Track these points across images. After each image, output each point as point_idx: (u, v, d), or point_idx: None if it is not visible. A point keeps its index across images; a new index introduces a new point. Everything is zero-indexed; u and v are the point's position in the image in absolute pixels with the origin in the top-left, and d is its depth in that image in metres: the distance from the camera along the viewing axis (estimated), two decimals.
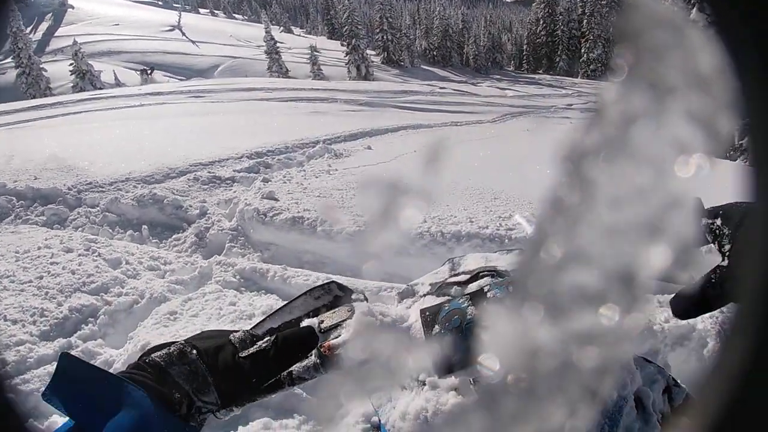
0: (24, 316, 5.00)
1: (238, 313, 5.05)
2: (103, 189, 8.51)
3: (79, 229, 7.55)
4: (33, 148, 11.15)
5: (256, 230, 6.66)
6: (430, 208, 6.26)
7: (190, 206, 7.59)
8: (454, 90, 36.45)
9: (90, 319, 5.13)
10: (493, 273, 1.55)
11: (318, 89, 27.82)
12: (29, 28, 60.06)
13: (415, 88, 33.74)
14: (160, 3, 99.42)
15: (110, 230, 7.43)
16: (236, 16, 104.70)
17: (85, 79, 43.66)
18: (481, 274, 1.56)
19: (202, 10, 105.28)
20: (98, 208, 7.86)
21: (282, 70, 49.53)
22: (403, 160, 9.67)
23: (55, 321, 4.98)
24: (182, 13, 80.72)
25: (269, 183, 8.11)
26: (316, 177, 8.51)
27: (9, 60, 47.51)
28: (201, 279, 5.93)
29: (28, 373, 4.29)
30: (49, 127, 16.52)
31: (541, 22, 73.27)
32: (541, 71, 73.14)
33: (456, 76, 58.97)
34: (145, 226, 7.33)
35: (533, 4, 76.41)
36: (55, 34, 64.45)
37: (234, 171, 9.27)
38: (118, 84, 44.46)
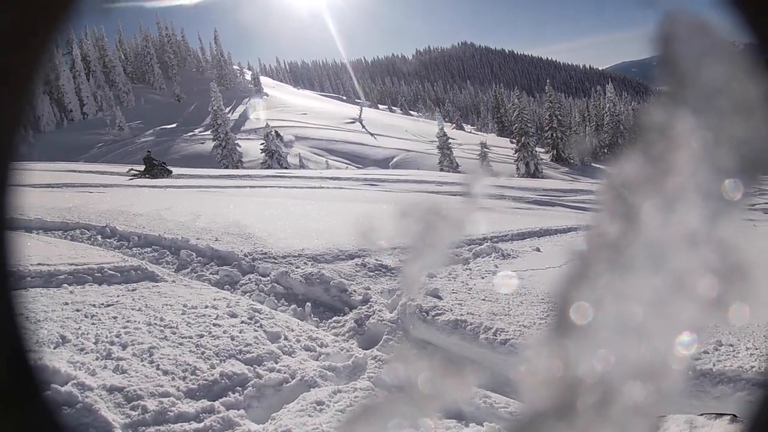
0: (176, 369, 5.03)
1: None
2: (276, 261, 8.69)
3: (247, 294, 7.72)
4: (219, 212, 11.73)
5: (416, 327, 6.33)
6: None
7: (354, 291, 7.46)
8: None
9: (238, 388, 5.04)
10: None
11: (488, 185, 27.61)
12: (228, 108, 66.04)
13: (584, 187, 32.67)
14: (344, 98, 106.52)
15: (275, 301, 7.52)
16: (411, 112, 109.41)
17: (273, 157, 46.89)
18: None
19: (381, 106, 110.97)
20: (268, 278, 8.03)
21: (452, 164, 50.21)
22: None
23: (204, 382, 4.96)
24: (363, 108, 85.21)
25: (434, 279, 7.77)
26: (482, 278, 8.07)
27: (208, 132, 52.62)
28: (354, 370, 5.69)
29: (164, 426, 4.30)
30: (236, 196, 17.56)
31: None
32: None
33: None
34: (309, 304, 7.26)
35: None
36: (250, 117, 70.26)
37: (400, 261, 9.06)
38: (302, 166, 47.37)
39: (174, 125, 66.87)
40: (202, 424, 4.40)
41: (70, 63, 70.99)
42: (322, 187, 23.03)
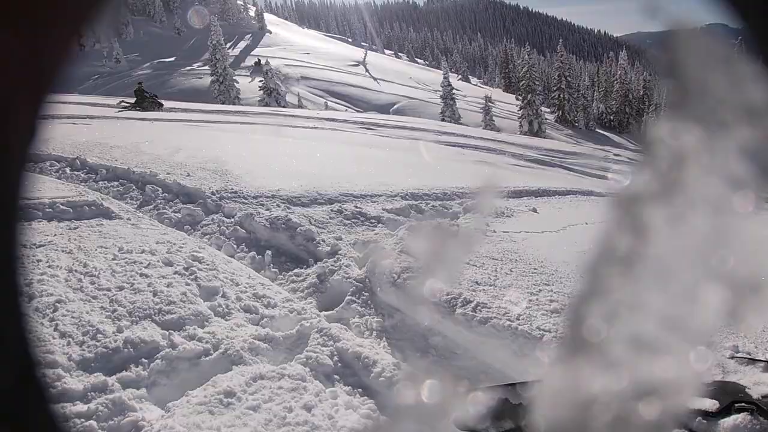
0: (75, 331, 4.18)
1: (309, 429, 3.65)
2: (246, 201, 7.95)
3: (206, 236, 6.82)
4: (201, 147, 11.10)
5: (384, 290, 5.36)
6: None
7: (323, 241, 6.58)
8: (629, 158, 33.83)
9: (143, 360, 4.11)
10: (753, 409, 1.29)
11: (487, 139, 26.62)
12: (229, 44, 64.13)
13: (587, 151, 31.68)
14: (349, 40, 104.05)
15: (234, 246, 6.69)
16: (418, 60, 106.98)
17: (271, 96, 45.69)
18: (736, 406, 1.32)
19: (387, 51, 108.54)
20: (232, 220, 7.12)
21: (455, 116, 48.92)
22: (572, 233, 8.08)
23: (104, 350, 4.08)
24: (368, 51, 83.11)
25: (414, 233, 6.85)
26: (470, 235, 7.13)
27: (206, 67, 51.13)
28: (293, 345, 4.71)
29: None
30: (224, 132, 16.79)
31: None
32: None
33: (631, 144, 55.48)
34: (270, 252, 6.34)
35: None
36: (252, 53, 68.39)
37: (383, 210, 8.23)
38: (300, 106, 46.32)
39: (173, 59, 64.78)
40: (86, 407, 3.47)
41: None
42: (316, 128, 22.00)
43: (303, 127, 21.27)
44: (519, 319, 4.26)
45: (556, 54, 60.54)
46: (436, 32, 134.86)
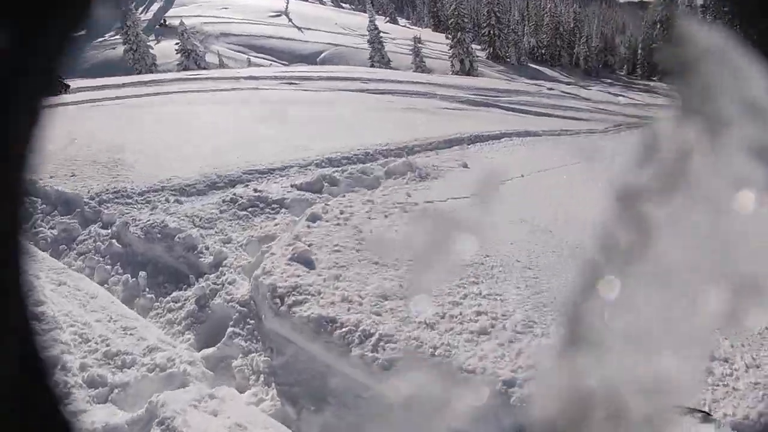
0: None
1: None
2: (130, 200, 6.59)
3: (82, 257, 5.52)
4: (98, 133, 9.92)
5: (269, 318, 4.18)
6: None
7: (206, 249, 5.29)
8: (563, 92, 33.21)
9: None
10: None
11: (418, 82, 25.40)
12: (141, 9, 61.48)
13: (521, 87, 30.85)
14: None
15: (109, 267, 5.29)
16: (343, 5, 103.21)
17: (189, 58, 43.24)
18: None
19: None
20: (109, 232, 5.77)
21: (384, 60, 47.28)
22: (508, 193, 7.08)
23: None
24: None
25: (316, 224, 5.63)
26: (385, 216, 5.98)
27: (118, 36, 47.85)
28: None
29: None
30: (131, 108, 15.18)
31: (659, 26, 67.61)
32: (655, 78, 67.56)
33: (564, 77, 55.10)
34: (145, 272, 5.06)
35: (650, 6, 70.88)
36: (166, 14, 64.68)
37: (290, 187, 7.02)
38: (222, 65, 44.01)
39: (82, 32, 60.47)
40: None
41: None
42: (235, 89, 20.40)
43: (221, 90, 19.69)
44: (435, 355, 3.16)
45: None
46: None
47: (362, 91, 20.70)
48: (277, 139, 9.41)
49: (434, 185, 7.65)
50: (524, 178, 8.28)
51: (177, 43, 44.04)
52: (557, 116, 20.66)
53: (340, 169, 8.03)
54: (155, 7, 69.32)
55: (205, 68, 39.20)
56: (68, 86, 24.98)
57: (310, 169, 7.88)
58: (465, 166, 9.09)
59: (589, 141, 15.47)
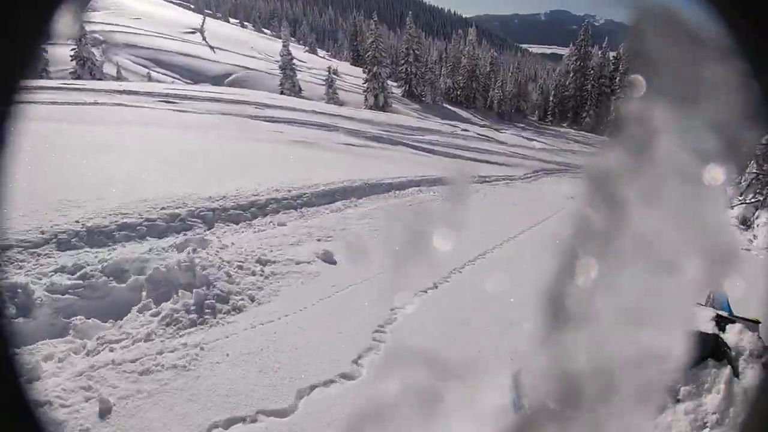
0: None
1: None
2: None
3: None
4: None
5: None
6: None
7: None
8: (478, 134, 31.26)
9: None
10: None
11: (321, 113, 22.57)
12: None
13: (434, 126, 28.65)
14: (192, 6, 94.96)
15: None
16: (265, 30, 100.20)
17: (84, 67, 38.93)
18: (710, 362, 1.73)
19: (232, 20, 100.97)
20: None
21: (295, 88, 44.38)
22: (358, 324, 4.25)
23: None
24: (208, 19, 76.19)
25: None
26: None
27: None
28: None
29: None
30: None
31: (571, 75, 68.16)
32: (565, 125, 67.81)
33: (479, 119, 53.75)
34: None
35: (564, 56, 71.67)
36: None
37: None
38: (119, 78, 39.98)
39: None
40: None
41: None
42: (97, 103, 16.90)
43: (81, 104, 16.16)
44: None
45: (404, 29, 57.42)
46: (285, 2, 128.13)
47: (254, 117, 17.69)
48: (112, 177, 6.45)
49: (277, 290, 4.69)
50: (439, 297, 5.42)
51: (73, 50, 39.64)
52: (474, 159, 18.37)
53: (113, 244, 5.01)
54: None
55: (100, 79, 35.49)
56: None
57: (79, 250, 4.87)
58: (328, 259, 6.18)
59: (515, 190, 13.14)
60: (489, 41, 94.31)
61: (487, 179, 14.25)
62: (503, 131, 43.38)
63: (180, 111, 16.75)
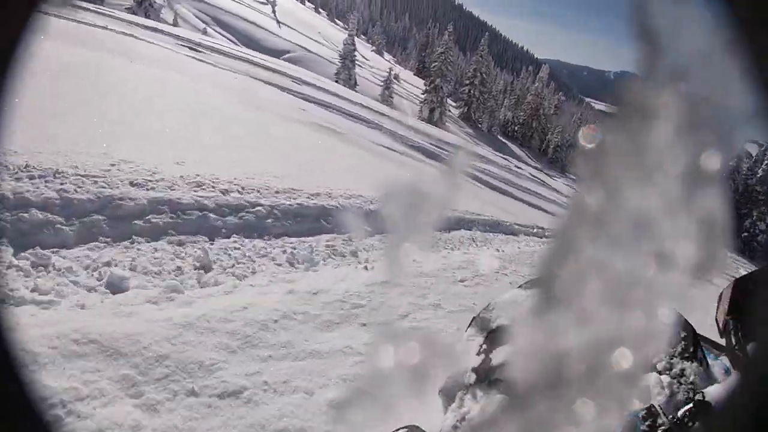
0: None
1: None
2: None
3: None
4: None
5: None
6: None
7: None
8: (531, 175, 27.96)
9: None
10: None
11: (367, 108, 19.45)
12: None
13: (488, 155, 25.24)
14: None
15: None
16: (338, 21, 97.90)
17: (141, 6, 36.40)
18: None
19: (308, 3, 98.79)
20: None
21: (350, 81, 41.42)
22: None
23: None
24: None
25: None
26: None
27: None
28: None
29: None
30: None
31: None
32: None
33: (530, 159, 50.27)
34: None
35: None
36: None
37: None
38: (175, 24, 37.65)
39: None
40: None
41: None
42: (109, 30, 14.02)
43: (90, 25, 13.32)
44: None
45: (476, 53, 54.16)
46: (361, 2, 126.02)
47: (284, 89, 14.57)
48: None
49: None
50: None
51: None
52: (529, 204, 15.11)
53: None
54: None
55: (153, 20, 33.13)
56: None
57: None
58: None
59: None
60: (556, 85, 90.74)
61: (545, 231, 11.02)
62: (555, 178, 39.96)
63: (199, 60, 13.71)
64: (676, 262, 0.36)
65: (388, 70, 46.17)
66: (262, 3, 62.83)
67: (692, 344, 1.45)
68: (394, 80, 46.01)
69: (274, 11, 60.95)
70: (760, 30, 0.38)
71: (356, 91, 37.77)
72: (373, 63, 56.97)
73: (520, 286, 1.93)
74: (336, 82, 38.19)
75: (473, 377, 1.63)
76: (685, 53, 0.35)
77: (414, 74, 72.90)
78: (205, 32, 39.56)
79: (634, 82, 0.36)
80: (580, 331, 0.36)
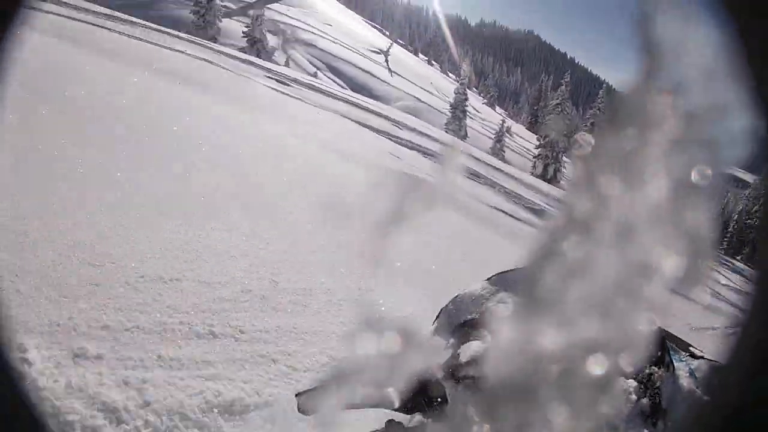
0: None
1: None
2: None
3: None
4: None
5: None
6: None
7: None
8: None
9: None
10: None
11: (478, 159, 16.85)
12: None
13: None
14: (386, 33, 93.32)
15: None
16: (450, 74, 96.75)
17: (253, 47, 36.09)
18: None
19: (421, 55, 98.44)
20: None
21: (460, 132, 39.05)
22: None
23: None
24: (397, 47, 73.44)
25: None
26: None
27: None
28: None
29: None
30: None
31: (761, 203, 57.40)
32: (739, 258, 57.15)
33: None
34: None
35: (755, 181, 61.42)
36: (267, 6, 58.85)
37: None
38: (286, 65, 37.17)
39: None
40: None
41: None
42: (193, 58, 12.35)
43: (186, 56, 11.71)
44: None
45: (591, 105, 50.63)
46: (477, 53, 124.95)
47: (380, 131, 12.30)
48: None
49: None
50: None
51: (247, 26, 37.21)
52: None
53: None
54: None
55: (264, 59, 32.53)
56: None
57: None
58: None
59: None
60: None
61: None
62: None
63: (284, 94, 11.66)
64: (659, 272, 0.35)
65: (500, 122, 43.51)
66: (376, 52, 62.29)
67: (660, 348, 1.38)
68: (507, 133, 43.26)
69: (386, 60, 60.12)
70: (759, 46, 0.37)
71: (465, 143, 35.40)
72: (484, 115, 54.57)
73: (487, 279, 1.72)
74: (446, 132, 35.94)
75: (440, 373, 1.47)
76: (687, 67, 0.35)
77: (526, 128, 70.00)
78: (315, 75, 38.71)
79: (631, 91, 0.36)
80: (558, 333, 0.35)
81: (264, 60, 34.32)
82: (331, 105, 13.40)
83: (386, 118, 15.74)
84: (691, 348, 1.46)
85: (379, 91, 44.81)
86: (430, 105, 46.36)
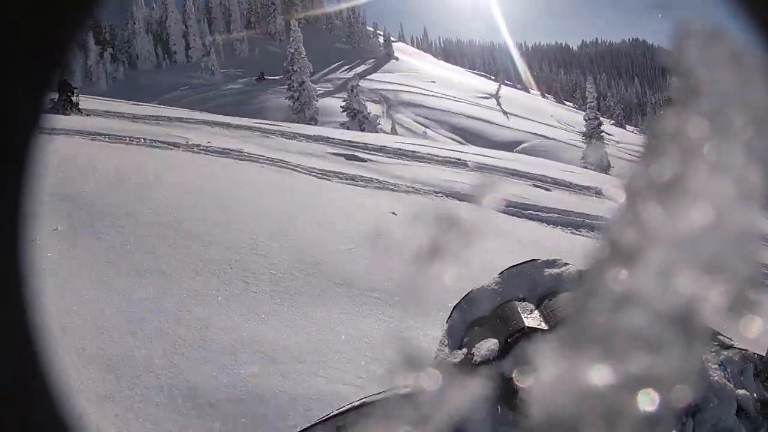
0: None
1: None
2: None
3: None
4: None
5: None
6: None
7: None
8: None
9: None
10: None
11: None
12: (346, 67, 59.81)
13: None
14: (492, 77, 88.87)
15: None
16: (566, 103, 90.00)
17: (355, 119, 33.24)
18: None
19: (532, 91, 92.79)
20: None
21: (602, 163, 33.14)
22: None
23: None
24: (506, 87, 68.67)
25: None
26: None
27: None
28: None
29: None
30: None
31: None
32: None
33: None
34: None
35: None
36: (368, 77, 56.72)
37: None
38: (393, 132, 34.17)
39: (277, 77, 54.09)
40: None
41: (181, 5, 70.53)
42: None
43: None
44: None
45: None
46: (588, 75, 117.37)
47: (501, 201, 7.84)
48: None
49: None
50: None
51: (344, 101, 34.39)
52: None
53: None
54: (361, 68, 62.79)
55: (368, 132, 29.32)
56: (75, 104, 18.35)
57: None
58: None
59: None
60: None
61: None
62: None
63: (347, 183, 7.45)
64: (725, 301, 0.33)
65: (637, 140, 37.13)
66: (485, 98, 57.83)
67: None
68: None
69: (498, 103, 55.46)
70: None
71: (611, 174, 29.57)
72: (617, 137, 47.95)
73: (500, 274, 1.72)
74: (585, 167, 30.32)
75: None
76: (724, 93, 0.33)
77: None
78: (425, 135, 34.93)
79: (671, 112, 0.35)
80: (606, 368, 0.34)
81: (368, 129, 31.11)
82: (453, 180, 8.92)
83: (523, 175, 10.96)
84: (719, 336, 1.33)
85: (497, 136, 40.03)
86: (557, 139, 40.81)
